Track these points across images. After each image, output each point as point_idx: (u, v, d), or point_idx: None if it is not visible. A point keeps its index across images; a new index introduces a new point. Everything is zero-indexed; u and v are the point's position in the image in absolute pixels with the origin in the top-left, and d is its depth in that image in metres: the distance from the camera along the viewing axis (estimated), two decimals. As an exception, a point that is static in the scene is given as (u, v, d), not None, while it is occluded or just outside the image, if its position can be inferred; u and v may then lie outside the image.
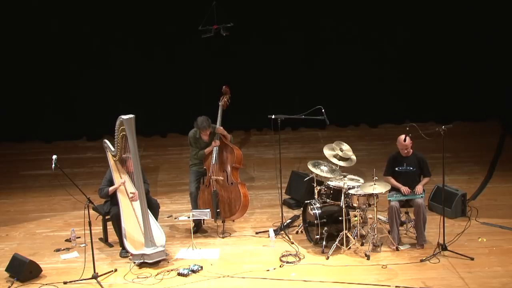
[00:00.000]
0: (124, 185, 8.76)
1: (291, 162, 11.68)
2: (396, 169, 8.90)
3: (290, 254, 8.67)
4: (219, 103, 9.38)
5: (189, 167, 9.54)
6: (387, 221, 8.96)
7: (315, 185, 9.22)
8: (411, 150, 8.88)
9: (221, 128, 9.29)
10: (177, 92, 12.88)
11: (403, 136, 8.75)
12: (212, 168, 9.26)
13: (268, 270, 8.32)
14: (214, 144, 9.26)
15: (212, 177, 9.25)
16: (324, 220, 8.74)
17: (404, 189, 8.72)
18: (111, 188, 8.74)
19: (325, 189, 9.01)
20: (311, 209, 8.83)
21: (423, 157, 8.93)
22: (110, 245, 9.07)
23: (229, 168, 9.27)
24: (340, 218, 8.70)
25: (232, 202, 9.23)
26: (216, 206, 9.21)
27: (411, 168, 8.84)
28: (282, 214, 9.37)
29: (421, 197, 8.75)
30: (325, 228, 8.74)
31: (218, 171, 9.28)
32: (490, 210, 9.76)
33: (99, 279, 8.14)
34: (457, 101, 13.04)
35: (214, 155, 9.26)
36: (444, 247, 8.45)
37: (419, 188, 8.75)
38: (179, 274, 8.26)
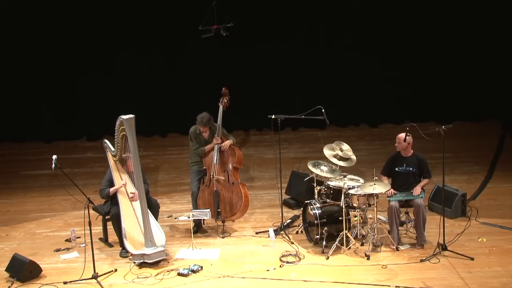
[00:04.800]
0: (125, 186, 8.76)
1: (291, 162, 11.68)
2: (396, 169, 8.90)
3: (290, 254, 8.67)
4: (219, 104, 9.38)
5: (189, 167, 9.53)
6: (387, 221, 8.96)
7: (315, 185, 9.23)
8: (411, 151, 8.88)
9: (225, 143, 9.26)
10: (177, 92, 12.88)
11: (402, 135, 8.76)
12: (213, 168, 9.26)
13: (268, 270, 8.32)
14: (215, 141, 9.27)
15: (214, 176, 9.25)
16: (324, 220, 8.75)
17: (389, 192, 8.73)
18: (112, 189, 8.74)
19: (325, 189, 9.01)
20: (311, 209, 8.83)
21: (424, 158, 8.93)
22: (110, 245, 9.07)
23: (230, 168, 9.28)
24: (340, 218, 8.70)
25: (233, 202, 9.24)
26: (217, 206, 9.21)
27: (410, 169, 8.84)
28: (282, 214, 9.37)
29: (421, 197, 8.75)
30: (325, 228, 8.74)
31: (219, 171, 9.28)
32: (490, 210, 9.77)
33: (99, 279, 8.14)
34: (457, 101, 13.04)
35: (215, 155, 9.26)
36: (444, 247, 8.45)
37: (417, 189, 8.75)
38: (179, 274, 8.26)
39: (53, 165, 8.14)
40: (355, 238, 8.84)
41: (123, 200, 8.73)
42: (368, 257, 8.47)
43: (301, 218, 9.33)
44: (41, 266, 8.40)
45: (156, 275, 8.27)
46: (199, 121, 9.26)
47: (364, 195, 8.65)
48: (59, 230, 9.70)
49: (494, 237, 8.94)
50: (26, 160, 12.43)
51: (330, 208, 8.87)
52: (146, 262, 8.46)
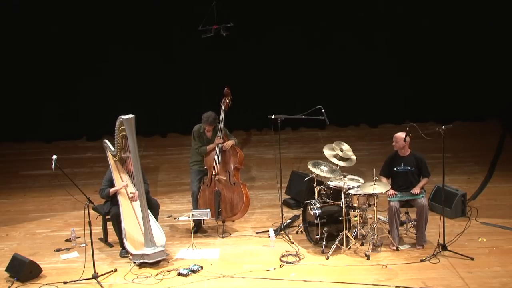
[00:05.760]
0: (126, 187, 8.75)
1: (291, 162, 11.68)
2: (394, 169, 8.89)
3: (290, 254, 8.67)
4: (221, 105, 9.37)
5: (190, 166, 9.53)
6: (387, 221, 8.96)
7: (315, 185, 9.22)
8: (409, 150, 8.88)
9: (227, 143, 9.26)
10: (177, 92, 12.89)
11: (400, 135, 8.76)
12: (215, 168, 9.26)
13: (268, 270, 8.32)
14: (217, 141, 9.27)
15: (216, 176, 9.24)
16: (324, 220, 8.74)
17: (389, 193, 8.73)
18: (112, 190, 8.74)
19: (325, 189, 9.00)
20: (311, 209, 8.83)
21: (422, 157, 8.92)
22: (110, 245, 9.07)
23: (231, 168, 9.28)
24: (340, 218, 8.70)
25: (234, 202, 9.24)
26: (218, 206, 9.21)
27: (409, 168, 8.83)
28: (282, 214, 9.37)
29: (422, 197, 8.74)
30: (325, 228, 8.74)
31: (221, 171, 9.28)
32: (490, 210, 9.76)
33: (99, 279, 8.14)
34: (457, 101, 13.05)
35: (217, 155, 9.26)
36: (444, 247, 8.45)
37: (415, 189, 8.74)
38: (179, 274, 8.26)
39: (53, 165, 8.14)
40: (355, 238, 8.84)
41: (123, 200, 8.73)
42: (368, 257, 8.47)
43: (301, 218, 9.33)
44: (41, 266, 8.40)
45: (156, 275, 8.27)
46: (205, 120, 9.25)
47: (364, 195, 8.65)
48: (59, 230, 9.70)
49: (494, 237, 8.94)
50: (26, 160, 12.43)
51: (330, 208, 8.87)
52: (146, 262, 8.45)
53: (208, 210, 9.00)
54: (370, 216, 9.17)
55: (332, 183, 8.96)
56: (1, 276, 8.34)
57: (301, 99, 12.39)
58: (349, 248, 8.68)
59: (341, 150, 9.38)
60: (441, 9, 12.62)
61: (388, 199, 8.75)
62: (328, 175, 9.16)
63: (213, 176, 9.27)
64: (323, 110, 9.23)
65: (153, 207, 8.82)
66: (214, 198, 9.23)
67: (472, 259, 8.36)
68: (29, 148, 12.93)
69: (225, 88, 9.42)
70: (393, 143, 8.91)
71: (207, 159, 9.34)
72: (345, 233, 8.66)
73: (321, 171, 9.18)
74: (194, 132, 9.41)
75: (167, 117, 13.11)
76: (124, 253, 8.74)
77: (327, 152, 9.37)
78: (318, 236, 8.73)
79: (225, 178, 9.25)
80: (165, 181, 11.44)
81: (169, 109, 13.02)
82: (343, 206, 8.65)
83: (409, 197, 8.77)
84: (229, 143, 9.27)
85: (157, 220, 8.83)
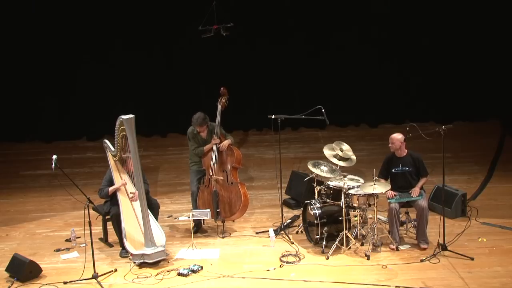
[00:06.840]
0: (124, 185, 8.76)
1: (291, 162, 11.68)
2: (393, 170, 8.88)
3: (290, 254, 8.67)
4: (218, 104, 9.37)
5: (189, 166, 9.54)
6: (387, 221, 8.96)
7: (315, 185, 9.22)
8: (406, 150, 8.87)
9: (223, 144, 9.25)
10: (177, 92, 12.90)
11: (396, 136, 8.75)
12: (212, 168, 9.26)
13: (268, 270, 8.32)
14: (213, 141, 9.27)
15: (212, 176, 9.25)
16: (324, 220, 8.74)
17: (389, 193, 8.72)
18: (111, 188, 8.74)
19: (325, 189, 9.00)
20: (311, 209, 8.83)
21: (418, 156, 8.91)
22: (110, 245, 9.07)
23: (228, 168, 9.28)
24: (340, 218, 8.70)
25: (232, 202, 9.24)
26: (216, 206, 9.21)
27: (407, 168, 8.82)
28: (282, 214, 9.37)
29: (421, 198, 8.72)
30: (325, 228, 8.73)
31: (218, 171, 9.28)
32: (490, 210, 9.76)
33: (99, 279, 8.14)
34: (457, 101, 13.05)
35: (214, 155, 9.26)
36: (444, 247, 8.45)
37: (415, 190, 8.73)
38: (179, 274, 8.27)
39: (53, 165, 8.14)
40: (355, 238, 8.84)
41: (123, 200, 8.73)
42: (368, 257, 8.47)
43: (301, 218, 9.33)
44: (41, 266, 8.40)
45: (156, 275, 8.27)
46: (194, 122, 9.28)
47: (364, 195, 8.64)
48: (59, 230, 9.70)
49: (494, 237, 8.94)
50: (26, 160, 12.43)
51: (330, 208, 8.87)
52: (146, 262, 8.46)
53: (208, 210, 9.00)
54: (370, 216, 9.17)
55: (332, 183, 8.95)
56: (1, 276, 8.34)
57: (301, 99, 12.40)
58: (349, 248, 8.68)
59: (341, 150, 9.38)
60: (442, 9, 12.62)
61: (388, 200, 8.74)
62: (328, 175, 9.16)
63: (210, 176, 9.27)
64: (323, 110, 9.23)
65: (153, 207, 8.82)
66: (212, 199, 9.23)
67: (472, 259, 8.36)
68: (29, 148, 12.93)
69: (221, 88, 9.42)
70: (390, 144, 8.90)
71: (204, 159, 9.34)
72: (345, 233, 8.66)
73: (321, 171, 9.18)
74: (189, 134, 9.42)
75: (167, 117, 13.12)
76: (124, 253, 8.74)
77: (327, 152, 9.37)
78: (318, 236, 8.73)
79: (222, 178, 9.25)
80: (165, 181, 11.44)
81: (169, 109, 13.02)
82: (343, 206, 8.65)
83: (408, 198, 8.75)
84: (226, 143, 9.26)
85: (157, 220, 8.83)
